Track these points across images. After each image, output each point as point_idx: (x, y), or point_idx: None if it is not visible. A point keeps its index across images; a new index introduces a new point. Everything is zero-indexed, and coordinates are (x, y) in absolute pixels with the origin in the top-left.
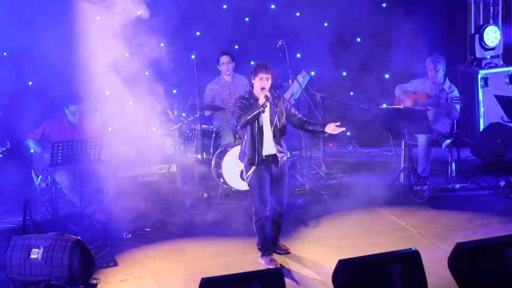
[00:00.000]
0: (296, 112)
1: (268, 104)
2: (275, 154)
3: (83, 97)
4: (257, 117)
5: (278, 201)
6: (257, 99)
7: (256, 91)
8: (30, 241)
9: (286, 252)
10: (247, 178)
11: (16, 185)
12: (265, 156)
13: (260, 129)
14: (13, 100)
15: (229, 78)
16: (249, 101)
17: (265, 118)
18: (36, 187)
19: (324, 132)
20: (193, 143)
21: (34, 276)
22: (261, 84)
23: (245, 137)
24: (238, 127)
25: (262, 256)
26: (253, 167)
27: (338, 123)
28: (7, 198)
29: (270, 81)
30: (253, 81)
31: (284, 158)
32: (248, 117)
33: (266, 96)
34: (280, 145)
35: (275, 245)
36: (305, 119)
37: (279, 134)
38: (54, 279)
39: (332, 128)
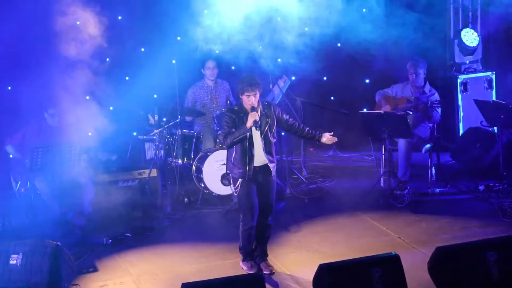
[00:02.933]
0: (287, 118)
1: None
2: (266, 164)
3: (62, 100)
4: (244, 138)
5: (266, 211)
6: (246, 113)
7: (245, 105)
8: (9, 247)
9: (271, 273)
10: (235, 188)
11: None
12: (257, 167)
13: (251, 141)
14: None
15: (212, 83)
16: (238, 115)
17: (256, 130)
18: (15, 193)
19: (319, 141)
20: (173, 148)
21: (13, 282)
22: (249, 101)
23: (234, 149)
24: (225, 146)
25: (243, 260)
26: (240, 180)
27: (332, 133)
28: None
29: (258, 96)
30: (240, 97)
31: (275, 168)
32: (235, 140)
33: (254, 121)
34: (271, 155)
35: (261, 262)
36: (298, 125)
37: (269, 144)
38: (33, 285)
39: (328, 138)
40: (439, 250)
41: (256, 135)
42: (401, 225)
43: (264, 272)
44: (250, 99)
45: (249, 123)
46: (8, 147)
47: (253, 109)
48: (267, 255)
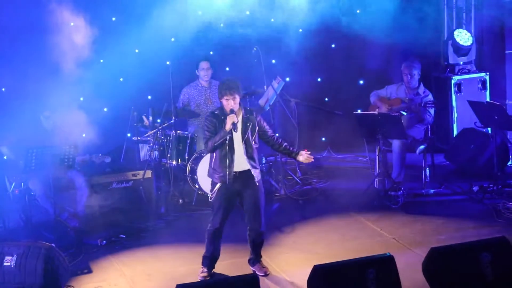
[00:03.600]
0: (267, 128)
1: (238, 120)
2: (249, 170)
3: (57, 103)
4: (225, 141)
5: (255, 220)
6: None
7: (226, 109)
8: (3, 249)
9: (265, 274)
10: (212, 194)
11: None
12: (239, 172)
13: (231, 145)
14: None
15: (206, 84)
16: (219, 119)
17: (237, 134)
18: (9, 194)
19: (294, 159)
20: (168, 149)
21: (7, 283)
22: (228, 105)
23: (214, 154)
24: (207, 151)
25: (201, 263)
26: (219, 184)
27: (310, 152)
28: None
29: (237, 99)
30: (220, 101)
31: (259, 173)
32: (216, 144)
33: (233, 124)
34: (254, 160)
35: (255, 265)
36: (276, 138)
37: (251, 149)
38: (28, 287)
39: (305, 158)
40: (433, 251)
41: (237, 140)
42: (396, 226)
43: (258, 273)
44: (229, 103)
45: (228, 125)
46: (3, 147)
47: (232, 111)
48: (260, 257)
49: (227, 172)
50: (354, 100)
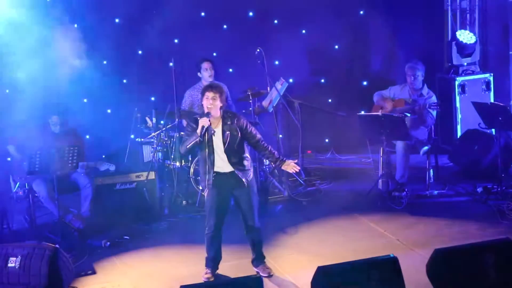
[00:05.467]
0: (255, 133)
1: (209, 124)
2: (233, 172)
3: (65, 108)
4: (197, 145)
5: (248, 218)
6: (209, 122)
7: (204, 110)
8: (7, 250)
9: (269, 275)
10: (206, 197)
11: None
12: (225, 173)
13: (211, 150)
14: None
15: None
16: (198, 123)
17: (217, 140)
18: (13, 195)
19: (280, 167)
20: (171, 151)
21: (11, 285)
22: (207, 103)
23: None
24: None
25: (205, 265)
26: (207, 187)
27: (296, 161)
28: None
29: (218, 101)
30: (202, 103)
31: (249, 174)
32: (188, 146)
33: (202, 127)
34: (239, 164)
35: (258, 266)
36: (263, 144)
37: (234, 155)
38: None
39: (291, 166)
40: (437, 252)
41: (218, 146)
42: (399, 227)
43: (262, 275)
44: (208, 102)
45: (198, 130)
46: (10, 146)
47: (207, 115)
48: (264, 258)
49: (206, 178)
50: (357, 101)
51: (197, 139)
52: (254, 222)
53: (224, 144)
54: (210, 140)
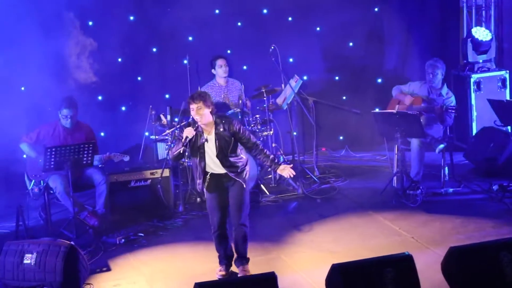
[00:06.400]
0: (249, 137)
1: (194, 134)
2: (226, 173)
3: (75, 101)
4: (183, 153)
5: (234, 214)
6: (201, 130)
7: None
8: (23, 246)
9: None
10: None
11: (8, 190)
12: (218, 174)
13: (202, 159)
14: (5, 105)
15: (224, 82)
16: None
17: (210, 145)
18: (29, 192)
19: (275, 171)
20: (186, 148)
21: (27, 281)
22: (194, 115)
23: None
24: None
25: (219, 263)
26: (205, 190)
27: (291, 165)
28: None
29: (203, 109)
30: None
31: (244, 174)
32: (174, 153)
33: (186, 137)
34: (233, 167)
35: (239, 267)
36: (258, 147)
37: (227, 159)
38: (47, 285)
39: (286, 172)
40: (452, 250)
41: (211, 151)
42: (414, 225)
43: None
44: (194, 113)
45: (183, 140)
46: (23, 145)
47: (193, 124)
48: (246, 260)
49: (199, 182)
50: (372, 99)
51: (181, 149)
52: (241, 220)
53: (216, 149)
54: (202, 147)
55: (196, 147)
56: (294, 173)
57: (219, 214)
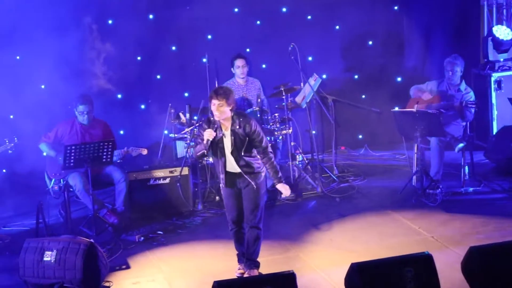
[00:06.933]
0: (261, 141)
1: (216, 135)
2: (241, 173)
3: (90, 97)
4: (205, 153)
5: (248, 216)
6: (219, 125)
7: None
8: (43, 244)
9: None
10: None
11: (29, 188)
12: (235, 173)
13: (222, 155)
14: (25, 103)
15: (243, 81)
16: (212, 127)
17: (227, 141)
18: (49, 190)
19: (274, 184)
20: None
21: (47, 278)
22: (214, 110)
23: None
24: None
25: (238, 261)
26: (221, 184)
27: (287, 187)
28: (20, 201)
29: (225, 106)
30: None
31: (259, 176)
32: (198, 154)
33: (208, 140)
34: (247, 167)
35: (247, 270)
36: (268, 155)
37: (241, 158)
38: (67, 282)
39: (284, 190)
40: (472, 250)
41: (227, 148)
42: (434, 224)
43: (236, 274)
44: (215, 108)
45: (204, 142)
46: (42, 145)
47: (212, 122)
48: (254, 264)
49: (221, 177)
50: (391, 98)
51: (204, 151)
52: (253, 222)
53: (231, 145)
54: (221, 142)
55: (215, 142)
56: (289, 193)
57: (235, 212)
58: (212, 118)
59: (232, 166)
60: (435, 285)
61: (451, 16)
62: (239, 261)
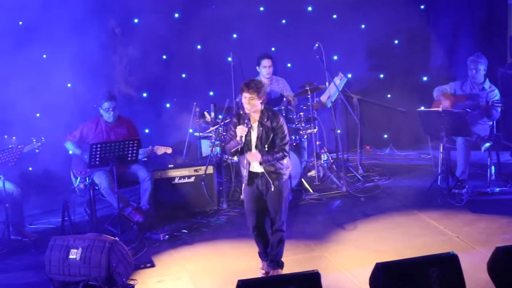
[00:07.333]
0: (283, 139)
1: (247, 131)
2: (263, 173)
3: (114, 94)
4: (239, 150)
5: (272, 217)
6: (248, 118)
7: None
8: (68, 242)
9: None
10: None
11: (55, 186)
12: (258, 173)
13: (248, 148)
14: (52, 101)
15: (268, 81)
16: (242, 122)
17: (253, 135)
18: (74, 188)
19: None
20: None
21: (72, 276)
22: (244, 103)
23: None
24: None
25: (261, 260)
26: (243, 184)
27: (254, 154)
28: (46, 199)
29: (255, 100)
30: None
31: (281, 177)
32: (232, 151)
33: (240, 137)
34: (269, 166)
35: (270, 270)
36: (280, 151)
37: (264, 154)
38: (92, 280)
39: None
40: (498, 250)
41: (252, 141)
42: (460, 224)
43: (266, 275)
44: (246, 101)
45: (238, 137)
46: (67, 143)
47: (242, 117)
48: (278, 264)
49: (245, 174)
50: (417, 97)
51: (239, 147)
52: (277, 225)
53: (257, 138)
54: (248, 135)
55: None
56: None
57: (254, 217)
58: (241, 112)
59: (254, 164)
60: (460, 285)
61: (478, 15)
62: (262, 259)
